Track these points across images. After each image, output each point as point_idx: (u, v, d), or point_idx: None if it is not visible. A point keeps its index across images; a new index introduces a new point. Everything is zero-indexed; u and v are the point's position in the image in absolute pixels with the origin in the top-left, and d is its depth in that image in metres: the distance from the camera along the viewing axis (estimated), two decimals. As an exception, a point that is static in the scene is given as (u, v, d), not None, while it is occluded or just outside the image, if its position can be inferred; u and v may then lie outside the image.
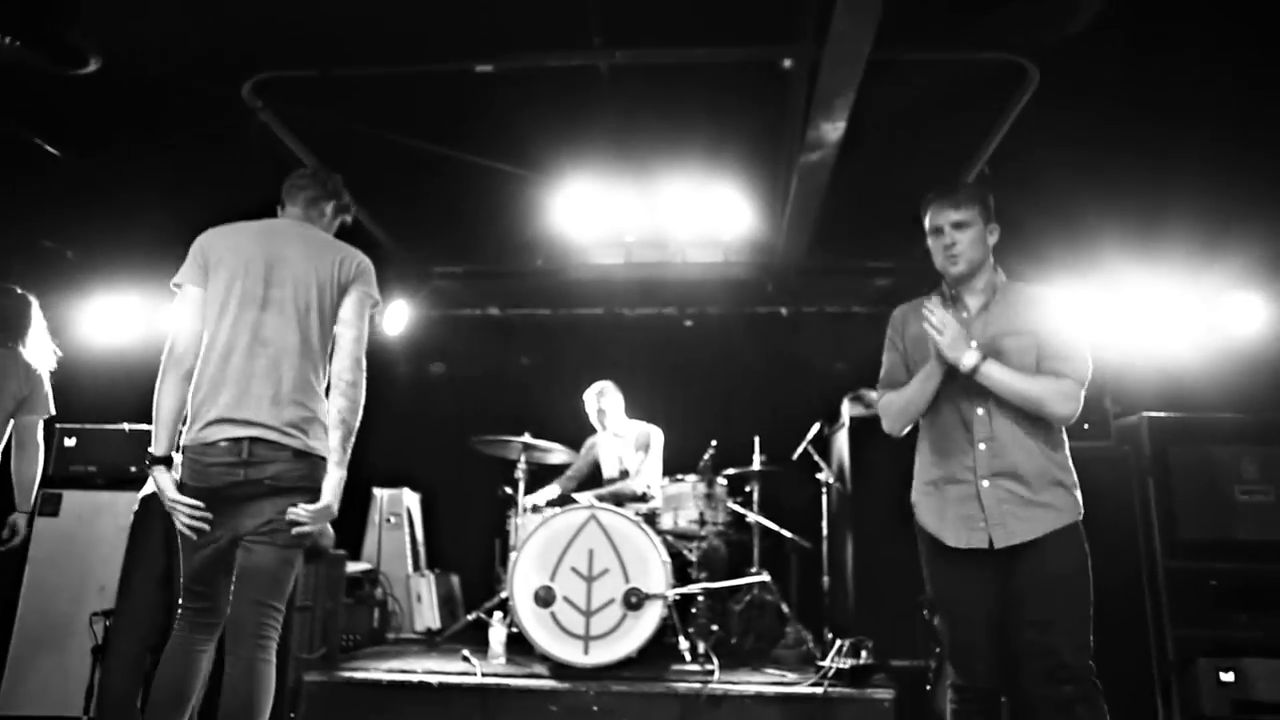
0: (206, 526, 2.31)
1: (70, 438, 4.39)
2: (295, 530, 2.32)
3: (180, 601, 2.40)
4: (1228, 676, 3.66)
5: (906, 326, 2.61)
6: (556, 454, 4.66)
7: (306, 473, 2.34)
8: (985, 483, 2.35)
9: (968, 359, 2.33)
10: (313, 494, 2.34)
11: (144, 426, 4.40)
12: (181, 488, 2.33)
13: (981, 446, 2.38)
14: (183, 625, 2.39)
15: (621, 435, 5.09)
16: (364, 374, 2.43)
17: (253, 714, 2.26)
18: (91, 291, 5.37)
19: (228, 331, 2.38)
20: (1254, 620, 3.72)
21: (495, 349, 6.45)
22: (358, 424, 2.41)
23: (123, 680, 3.24)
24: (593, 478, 5.10)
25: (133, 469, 4.31)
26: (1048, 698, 2.21)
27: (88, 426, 4.42)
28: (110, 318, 5.38)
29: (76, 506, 4.26)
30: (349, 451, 2.40)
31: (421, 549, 5.68)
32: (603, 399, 5.07)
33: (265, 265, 2.42)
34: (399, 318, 5.80)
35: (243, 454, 2.29)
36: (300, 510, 2.30)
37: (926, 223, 2.51)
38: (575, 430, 5.13)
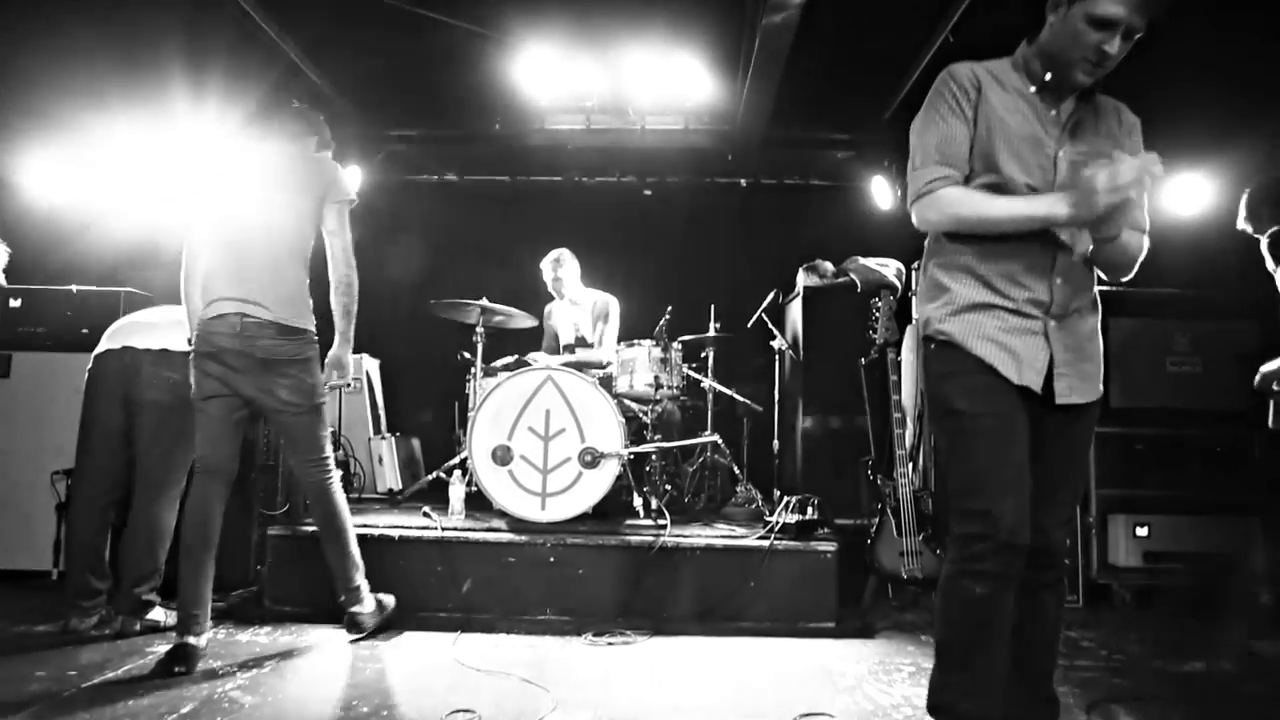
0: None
1: (16, 299, 4.30)
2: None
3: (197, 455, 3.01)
4: (1142, 531, 3.94)
5: (987, 95, 1.96)
6: (515, 319, 4.68)
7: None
8: (1054, 323, 1.94)
9: (1110, 230, 1.86)
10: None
11: (91, 288, 4.33)
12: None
13: (1059, 281, 1.94)
14: (200, 477, 2.99)
15: (578, 303, 5.12)
16: (354, 270, 3.15)
17: (336, 521, 3.15)
18: (29, 151, 5.16)
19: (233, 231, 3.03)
20: (1168, 479, 3.99)
21: (453, 216, 6.37)
22: (355, 308, 3.15)
23: (87, 534, 3.32)
24: (553, 348, 5.16)
25: (84, 330, 4.26)
26: (1024, 581, 1.91)
27: (33, 288, 4.33)
28: (48, 178, 5.21)
29: (28, 367, 4.22)
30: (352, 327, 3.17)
31: (382, 413, 5.75)
32: (559, 267, 5.08)
33: (259, 180, 3.06)
34: (353, 182, 5.68)
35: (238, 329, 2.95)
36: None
37: (1094, 6, 1.80)
38: (533, 298, 5.14)
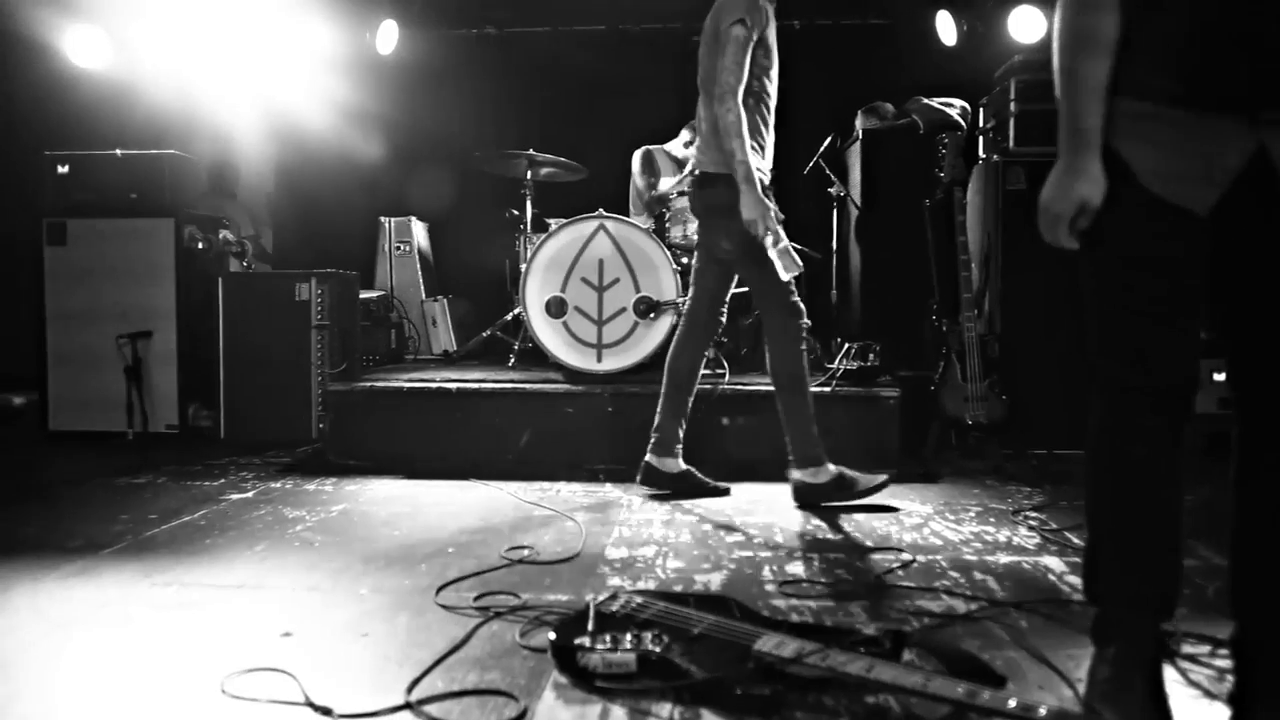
0: None
1: (63, 165, 4.28)
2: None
3: None
4: (1219, 376, 3.73)
5: None
6: (565, 171, 4.53)
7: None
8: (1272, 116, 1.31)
9: None
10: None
11: (137, 152, 4.28)
12: None
13: None
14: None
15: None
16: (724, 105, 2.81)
17: (778, 364, 3.00)
18: (69, 14, 5.04)
19: None
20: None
21: (494, 70, 6.13)
22: (734, 145, 2.79)
23: None
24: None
25: (133, 195, 4.24)
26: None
27: (79, 153, 4.30)
28: (88, 43, 5.11)
29: (82, 234, 4.23)
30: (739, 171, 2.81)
31: (434, 275, 5.72)
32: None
33: None
34: (389, 38, 5.47)
35: None
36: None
37: None
38: (580, 148, 4.96)
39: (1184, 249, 1.39)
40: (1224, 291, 1.43)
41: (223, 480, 3.34)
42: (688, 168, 3.03)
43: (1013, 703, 1.33)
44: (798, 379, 2.97)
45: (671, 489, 3.05)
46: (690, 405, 3.11)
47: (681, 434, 3.08)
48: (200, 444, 4.09)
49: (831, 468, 2.93)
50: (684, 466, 3.08)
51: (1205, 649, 1.71)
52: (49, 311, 4.23)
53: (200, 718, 1.41)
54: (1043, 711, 1.29)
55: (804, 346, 3.02)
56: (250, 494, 3.10)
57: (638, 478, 3.07)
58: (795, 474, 2.95)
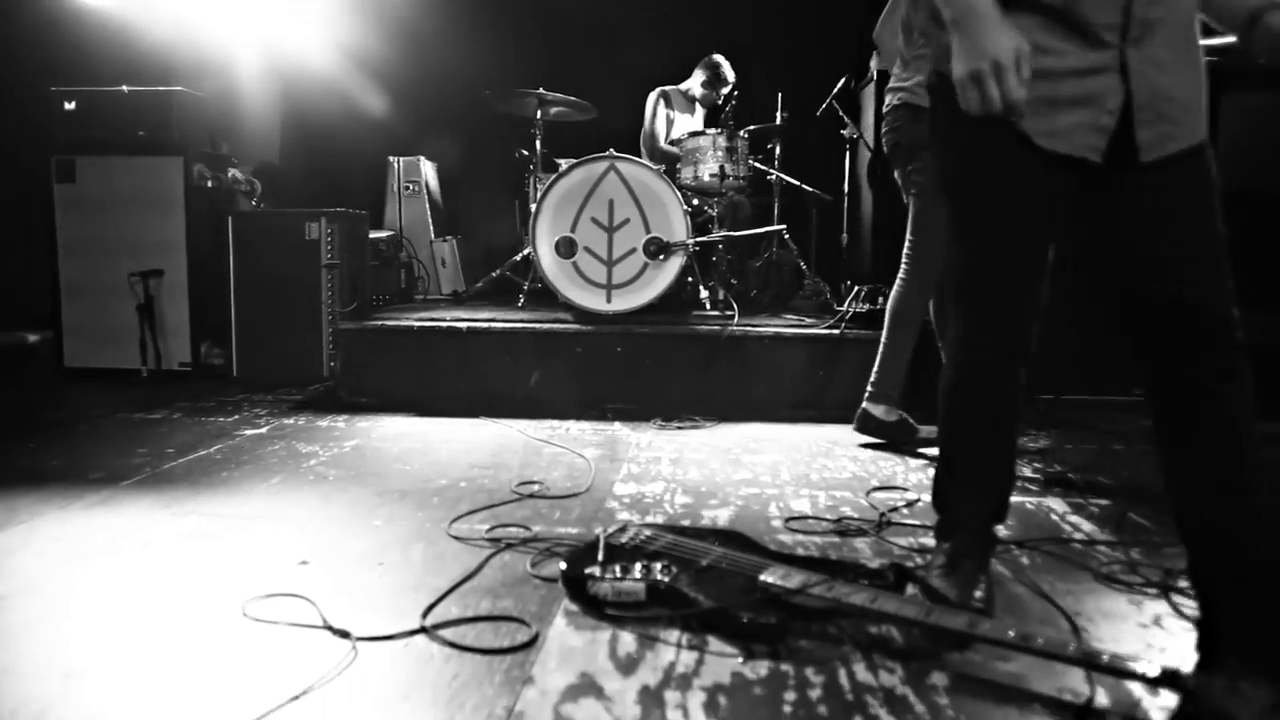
0: None
1: (70, 101, 4.25)
2: None
3: None
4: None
5: None
6: (576, 110, 4.48)
7: None
8: (1134, 53, 1.39)
9: None
10: None
11: (144, 89, 4.24)
12: None
13: None
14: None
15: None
16: None
17: (911, 297, 2.91)
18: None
19: None
20: None
21: (504, 7, 6.02)
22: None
23: None
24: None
25: (140, 133, 4.22)
26: (1186, 380, 1.44)
27: (86, 89, 4.26)
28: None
29: (91, 171, 4.23)
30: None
31: (443, 215, 5.70)
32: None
33: None
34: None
35: None
36: None
37: None
38: (590, 87, 4.90)
39: (1051, 202, 1.51)
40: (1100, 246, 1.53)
41: (236, 416, 3.38)
42: (887, 101, 2.79)
43: (1011, 633, 1.36)
44: (917, 318, 2.95)
45: (887, 437, 2.97)
46: (911, 351, 2.96)
47: (901, 381, 2.96)
48: (213, 381, 4.14)
49: (901, 412, 2.96)
50: (900, 414, 2.98)
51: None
52: (61, 248, 4.25)
53: (222, 639, 1.46)
54: (1040, 641, 1.33)
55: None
56: (264, 430, 3.14)
57: (854, 425, 2.99)
58: (868, 405, 2.97)
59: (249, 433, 3.09)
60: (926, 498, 2.34)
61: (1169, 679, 1.21)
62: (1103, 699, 1.29)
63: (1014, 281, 1.58)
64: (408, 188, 5.45)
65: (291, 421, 3.30)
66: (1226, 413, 1.43)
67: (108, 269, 4.19)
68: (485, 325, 3.60)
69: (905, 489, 2.46)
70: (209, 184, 4.35)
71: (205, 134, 4.54)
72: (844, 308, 3.64)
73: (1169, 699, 1.27)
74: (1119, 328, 1.53)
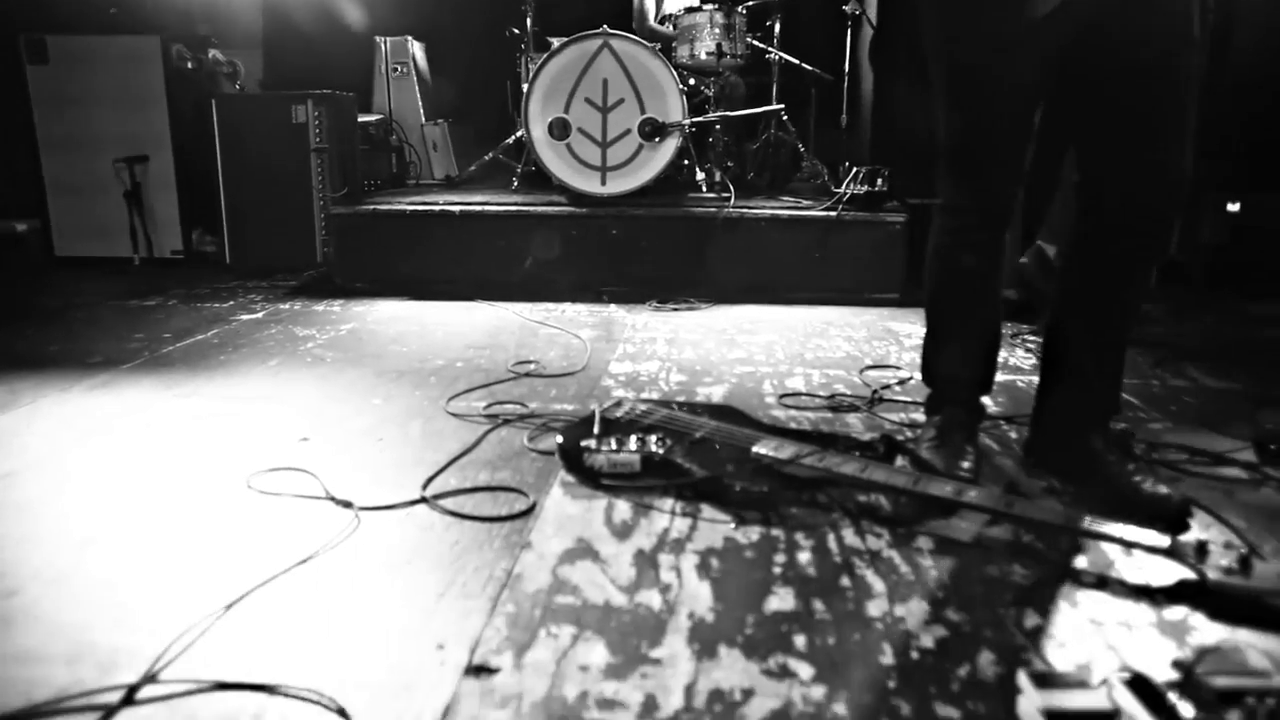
0: None
1: (37, -25, 4.07)
2: None
3: None
4: (1233, 206, 3.68)
5: None
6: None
7: None
8: None
9: None
10: None
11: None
12: None
13: None
14: None
15: None
16: None
17: None
18: None
19: None
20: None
21: None
22: None
23: None
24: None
25: (112, 10, 4.06)
26: (1105, 242, 1.57)
27: (53, -39, 4.08)
28: None
29: (64, 51, 4.08)
30: None
31: (433, 98, 5.54)
32: None
33: None
34: None
35: None
36: None
37: None
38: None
39: (1039, 63, 1.53)
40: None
41: (231, 302, 3.38)
42: None
43: (996, 500, 1.40)
44: None
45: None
46: None
47: None
48: (206, 269, 4.11)
49: None
50: None
51: (1183, 456, 1.79)
52: (41, 139, 4.15)
53: (229, 509, 1.49)
54: (1022, 507, 1.37)
55: None
56: (260, 315, 3.15)
57: (1024, 259, 3.01)
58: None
59: (245, 318, 3.09)
60: (919, 375, 2.36)
61: (1146, 543, 1.25)
62: (1080, 561, 1.34)
63: (1001, 145, 1.62)
64: (396, 69, 5.27)
65: (287, 306, 3.30)
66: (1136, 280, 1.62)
67: (91, 158, 4.11)
68: (479, 209, 3.56)
69: (898, 367, 2.48)
70: (189, 65, 4.21)
71: (182, 12, 4.37)
72: (842, 190, 3.59)
73: (1143, 559, 1.31)
74: (1084, 194, 1.61)
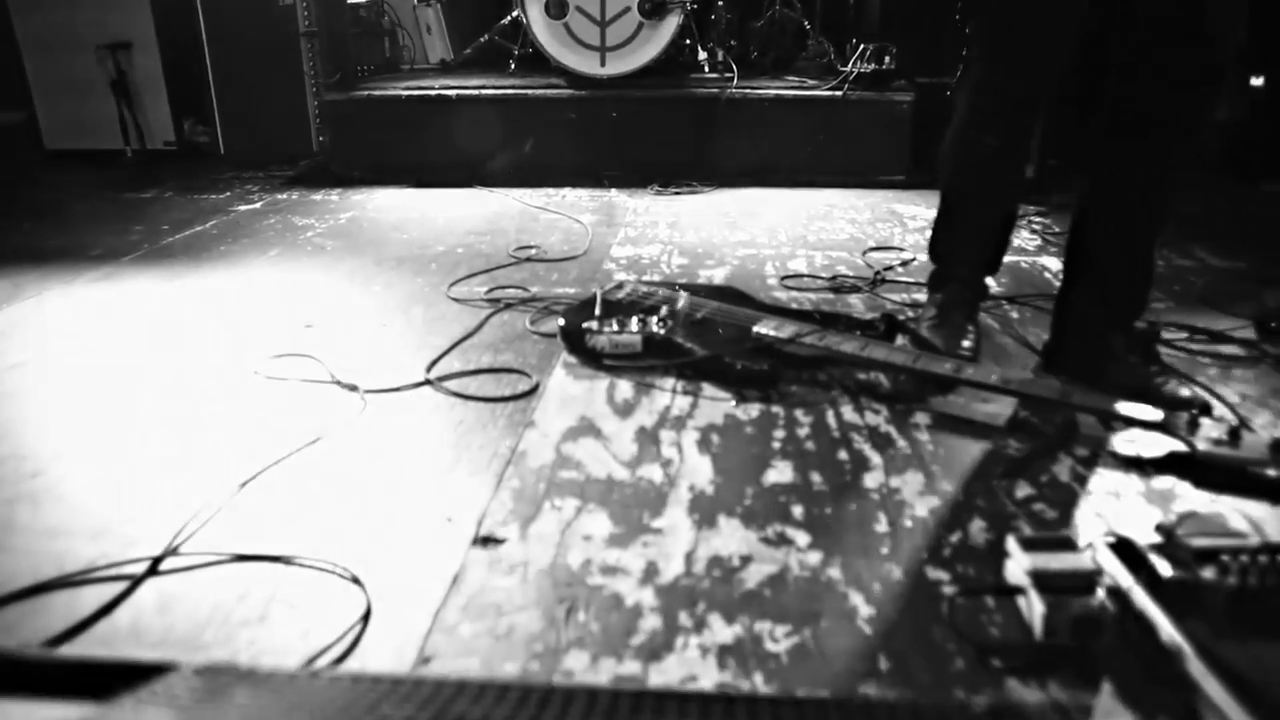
0: None
1: None
2: None
3: None
4: (1257, 81, 3.53)
5: None
6: None
7: None
8: None
9: None
10: None
11: None
12: None
13: None
14: None
15: None
16: None
17: None
18: None
19: None
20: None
21: None
22: None
23: None
24: None
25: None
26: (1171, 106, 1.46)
27: None
28: None
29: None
30: None
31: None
32: None
33: None
34: None
35: None
36: None
37: None
38: None
39: None
40: None
41: (229, 193, 3.34)
42: None
43: (994, 376, 1.42)
44: None
45: None
46: None
47: None
48: (200, 160, 4.05)
49: None
50: None
51: (1183, 335, 1.79)
52: (21, 37, 4.01)
53: (238, 394, 1.52)
54: (1019, 383, 1.39)
55: None
56: (258, 205, 3.12)
57: None
58: None
59: (243, 208, 3.07)
60: (922, 257, 2.35)
61: (1140, 417, 1.27)
62: (1074, 437, 1.36)
63: (1041, 29, 1.54)
64: (383, -54, 5.05)
65: (285, 196, 3.27)
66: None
67: (75, 57, 3.97)
68: (475, 93, 3.47)
69: (901, 249, 2.46)
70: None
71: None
72: (848, 69, 3.48)
73: (1136, 434, 1.33)
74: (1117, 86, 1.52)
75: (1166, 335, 1.80)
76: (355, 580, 1.00)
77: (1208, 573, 0.89)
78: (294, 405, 1.47)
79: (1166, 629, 0.84)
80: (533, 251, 2.40)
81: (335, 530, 1.10)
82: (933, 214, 2.81)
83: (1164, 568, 0.90)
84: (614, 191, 3.25)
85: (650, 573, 1.01)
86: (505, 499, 1.17)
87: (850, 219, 2.84)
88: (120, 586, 0.99)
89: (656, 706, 0.46)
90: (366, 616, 0.94)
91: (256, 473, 1.24)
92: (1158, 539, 0.96)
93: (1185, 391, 1.47)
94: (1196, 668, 0.78)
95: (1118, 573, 0.93)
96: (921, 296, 2.02)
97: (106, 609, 0.95)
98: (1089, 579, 0.90)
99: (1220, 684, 0.75)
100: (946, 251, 1.82)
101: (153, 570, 1.02)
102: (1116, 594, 0.91)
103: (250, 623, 0.93)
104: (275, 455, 1.28)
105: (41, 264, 2.36)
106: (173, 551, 1.06)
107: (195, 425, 1.40)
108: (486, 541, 1.07)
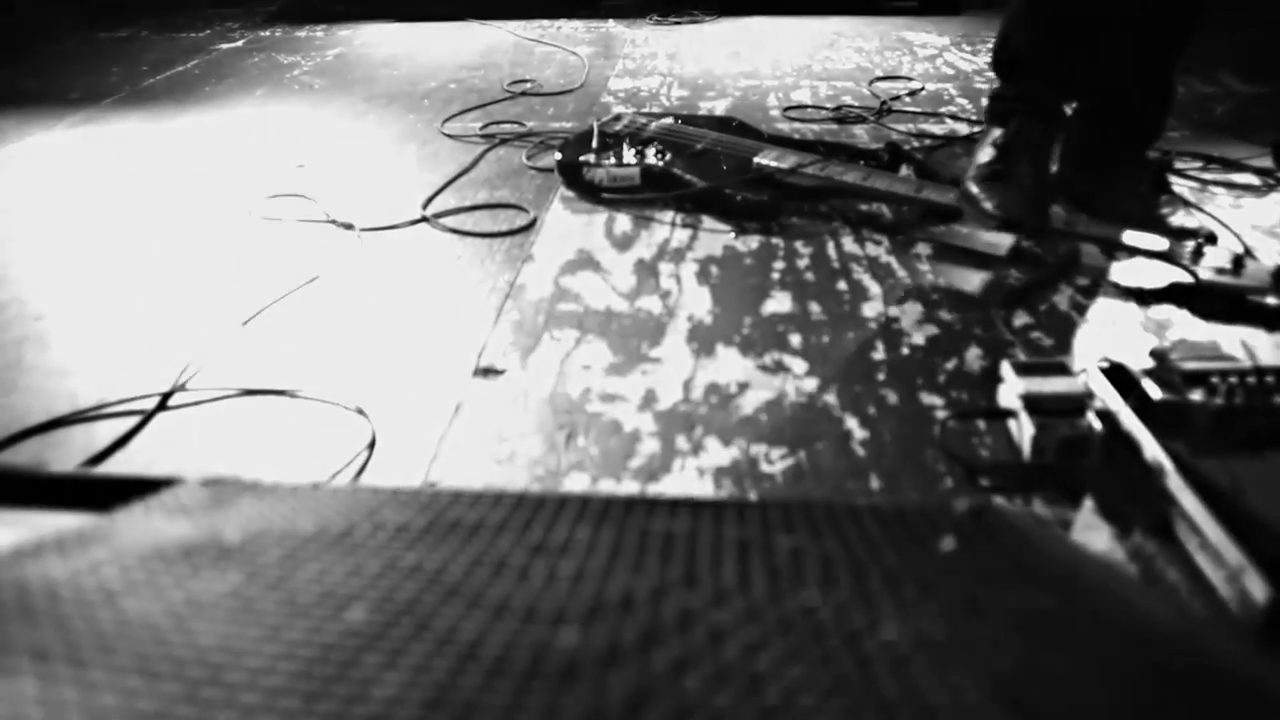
0: None
1: None
2: None
3: None
4: None
5: None
6: None
7: None
8: None
9: None
10: None
11: None
12: None
13: None
14: None
15: None
16: None
17: None
18: None
19: None
20: None
21: None
22: None
23: None
24: None
25: None
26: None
27: None
28: None
29: None
30: None
31: None
32: None
33: None
34: None
35: None
36: None
37: None
38: None
39: None
40: None
41: (208, 31, 3.20)
42: None
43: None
44: None
45: None
46: None
47: None
48: (176, -6, 3.85)
49: None
50: None
51: (1196, 164, 1.75)
52: None
53: (232, 236, 1.51)
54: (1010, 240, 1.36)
55: None
56: (240, 43, 2.99)
57: None
58: None
59: (225, 47, 2.94)
60: (931, 86, 2.27)
61: (1143, 245, 1.25)
62: (1077, 266, 1.35)
63: None
64: None
65: (268, 33, 3.13)
66: None
67: None
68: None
69: (910, 78, 2.37)
70: None
71: None
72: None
73: (1139, 263, 1.32)
74: None
75: (1179, 165, 1.75)
76: (360, 411, 1.02)
77: (1196, 395, 0.90)
78: (290, 245, 1.46)
79: (1150, 447, 0.86)
80: (528, 85, 2.31)
81: (338, 365, 1.11)
82: (943, 41, 2.70)
83: (1155, 391, 0.92)
84: (611, 22, 3.10)
85: (649, 399, 1.03)
86: (505, 331, 1.18)
87: (857, 48, 2.72)
88: (132, 421, 1.01)
89: (648, 510, 0.48)
90: (372, 445, 0.96)
91: (257, 311, 1.24)
92: (1150, 363, 0.97)
93: (1191, 223, 1.44)
94: (1175, 482, 0.80)
95: (1108, 396, 0.94)
96: (931, 127, 1.96)
97: (121, 441, 0.98)
98: (1080, 402, 0.91)
99: (1195, 496, 0.77)
100: (1026, 52, 1.37)
101: (162, 405, 1.04)
102: (1106, 416, 0.93)
103: (259, 452, 0.95)
104: (274, 294, 1.28)
105: (19, 108, 2.28)
106: (180, 388, 1.07)
107: (191, 266, 1.40)
108: (487, 372, 1.09)
